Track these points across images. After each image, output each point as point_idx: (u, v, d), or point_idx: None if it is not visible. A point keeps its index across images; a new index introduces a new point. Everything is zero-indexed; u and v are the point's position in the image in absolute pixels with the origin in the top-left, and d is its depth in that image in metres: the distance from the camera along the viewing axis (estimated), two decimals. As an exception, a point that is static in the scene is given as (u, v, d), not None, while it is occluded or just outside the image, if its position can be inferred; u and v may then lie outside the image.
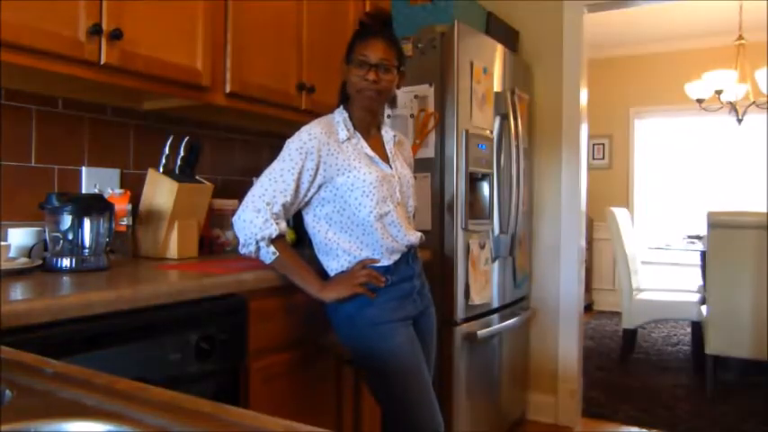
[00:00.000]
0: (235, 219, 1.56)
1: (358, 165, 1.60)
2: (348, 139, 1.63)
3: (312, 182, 1.58)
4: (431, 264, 2.29)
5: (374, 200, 1.59)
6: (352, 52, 1.65)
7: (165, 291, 1.31)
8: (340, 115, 1.68)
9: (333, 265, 1.64)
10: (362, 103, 1.65)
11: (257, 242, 1.52)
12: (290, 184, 1.55)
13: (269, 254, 1.53)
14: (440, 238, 2.40)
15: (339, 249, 1.62)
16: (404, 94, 2.42)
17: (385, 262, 1.62)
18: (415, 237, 1.70)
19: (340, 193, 1.60)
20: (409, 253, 1.68)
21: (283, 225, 1.55)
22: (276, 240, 1.53)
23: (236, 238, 1.58)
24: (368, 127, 1.71)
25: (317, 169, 1.57)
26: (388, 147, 1.75)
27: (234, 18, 1.92)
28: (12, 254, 1.56)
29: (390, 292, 1.62)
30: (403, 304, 1.64)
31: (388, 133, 1.77)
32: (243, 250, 1.55)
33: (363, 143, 1.66)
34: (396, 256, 1.64)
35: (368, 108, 1.67)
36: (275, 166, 1.58)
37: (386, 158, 1.71)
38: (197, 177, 1.96)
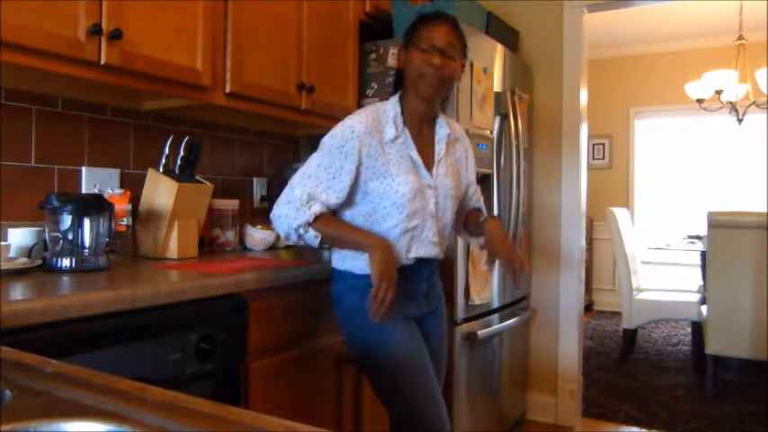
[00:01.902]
0: (271, 216, 1.56)
1: (396, 172, 1.52)
2: (394, 138, 1.55)
3: (349, 183, 1.52)
4: (431, 264, 2.29)
5: (404, 213, 1.53)
6: (413, 35, 1.55)
7: (165, 291, 1.31)
8: (393, 109, 1.58)
9: (344, 251, 1.61)
10: (422, 92, 1.55)
11: (296, 231, 1.51)
12: (322, 182, 1.51)
13: (312, 238, 1.51)
14: (440, 238, 2.40)
15: None
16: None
17: None
18: (435, 252, 1.61)
19: (371, 197, 1.54)
20: (420, 259, 1.61)
21: (317, 206, 1.50)
22: (316, 221, 1.50)
23: (276, 228, 1.57)
24: (420, 122, 1.61)
25: (357, 172, 1.52)
26: (438, 147, 1.63)
27: (234, 18, 1.92)
28: (12, 254, 1.56)
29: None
30: (404, 303, 1.60)
31: (441, 130, 1.65)
32: (288, 241, 1.58)
33: (410, 143, 1.57)
34: (407, 263, 1.59)
35: (426, 97, 1.56)
36: (312, 161, 1.54)
37: (430, 164, 1.61)
38: (197, 177, 1.96)
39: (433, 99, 1.58)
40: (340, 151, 1.51)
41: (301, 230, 1.50)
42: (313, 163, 1.54)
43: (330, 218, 1.54)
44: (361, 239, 1.51)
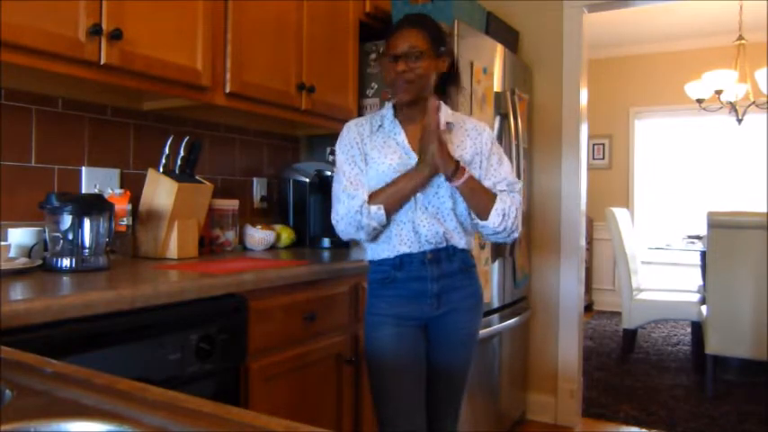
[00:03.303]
0: (334, 224, 1.61)
1: (377, 155, 1.62)
2: (380, 127, 1.65)
3: (364, 164, 1.62)
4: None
5: None
6: (385, 46, 1.63)
7: (165, 291, 1.31)
8: (387, 109, 1.69)
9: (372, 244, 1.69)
10: (397, 96, 1.62)
11: (359, 215, 1.55)
12: (349, 174, 1.60)
13: (376, 212, 1.55)
14: (440, 238, 2.40)
15: None
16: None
17: (392, 253, 1.61)
18: (434, 231, 1.59)
19: (369, 181, 1.62)
20: (425, 253, 1.61)
21: (361, 190, 1.57)
22: (369, 199, 1.57)
23: (346, 234, 1.61)
24: (414, 117, 1.65)
25: (363, 155, 1.63)
26: None
27: (234, 18, 1.92)
28: (12, 254, 1.56)
29: (396, 288, 1.61)
30: (406, 303, 1.60)
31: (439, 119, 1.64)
32: (361, 234, 1.58)
33: (398, 129, 1.64)
34: (403, 249, 1.60)
35: (401, 101, 1.62)
36: (336, 171, 1.65)
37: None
38: (197, 177, 1.96)
39: (409, 101, 1.62)
40: (347, 143, 1.65)
41: (364, 211, 1.55)
42: (338, 169, 1.64)
43: (376, 190, 1.59)
44: (408, 174, 1.57)
